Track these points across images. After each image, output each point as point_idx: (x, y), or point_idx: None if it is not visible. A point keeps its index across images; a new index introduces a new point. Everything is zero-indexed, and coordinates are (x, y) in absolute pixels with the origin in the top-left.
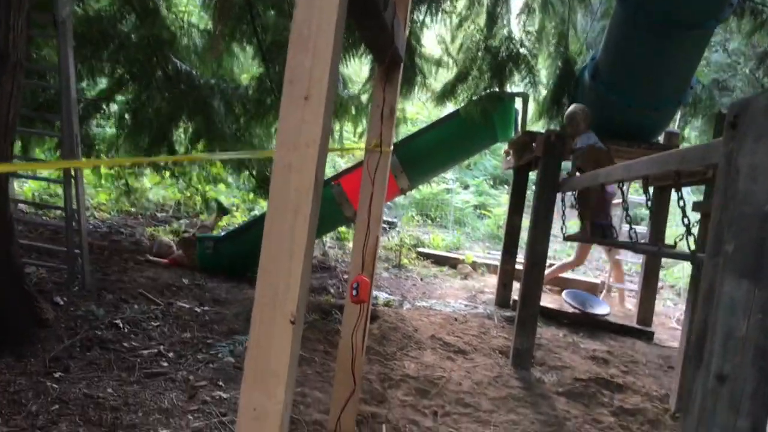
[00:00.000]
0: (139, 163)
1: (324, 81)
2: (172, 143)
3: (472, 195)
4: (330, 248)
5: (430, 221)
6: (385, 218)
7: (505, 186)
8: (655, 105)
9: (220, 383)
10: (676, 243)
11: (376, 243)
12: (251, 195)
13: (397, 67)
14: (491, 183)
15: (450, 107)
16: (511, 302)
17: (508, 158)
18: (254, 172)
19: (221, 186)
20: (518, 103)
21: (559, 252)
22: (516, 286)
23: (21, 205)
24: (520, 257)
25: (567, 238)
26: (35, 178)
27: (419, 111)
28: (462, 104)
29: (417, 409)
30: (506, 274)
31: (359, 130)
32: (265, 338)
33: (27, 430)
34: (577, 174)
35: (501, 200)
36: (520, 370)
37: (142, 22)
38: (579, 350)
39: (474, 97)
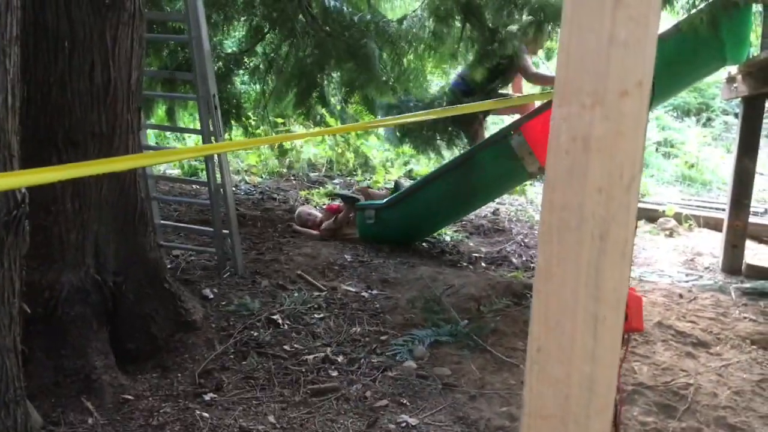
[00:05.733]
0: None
1: None
2: (325, 95)
3: (653, 130)
4: (500, 204)
5: None
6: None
7: (692, 118)
8: None
9: (404, 401)
10: None
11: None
12: (407, 148)
13: None
14: (675, 114)
15: (664, 20)
16: (743, 268)
17: (735, 86)
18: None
19: (372, 138)
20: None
21: None
22: (751, 246)
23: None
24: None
25: None
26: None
27: None
28: (681, 13)
29: None
30: (736, 231)
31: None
32: None
33: None
34: None
35: (688, 135)
36: None
37: None
38: None
39: (699, 3)
